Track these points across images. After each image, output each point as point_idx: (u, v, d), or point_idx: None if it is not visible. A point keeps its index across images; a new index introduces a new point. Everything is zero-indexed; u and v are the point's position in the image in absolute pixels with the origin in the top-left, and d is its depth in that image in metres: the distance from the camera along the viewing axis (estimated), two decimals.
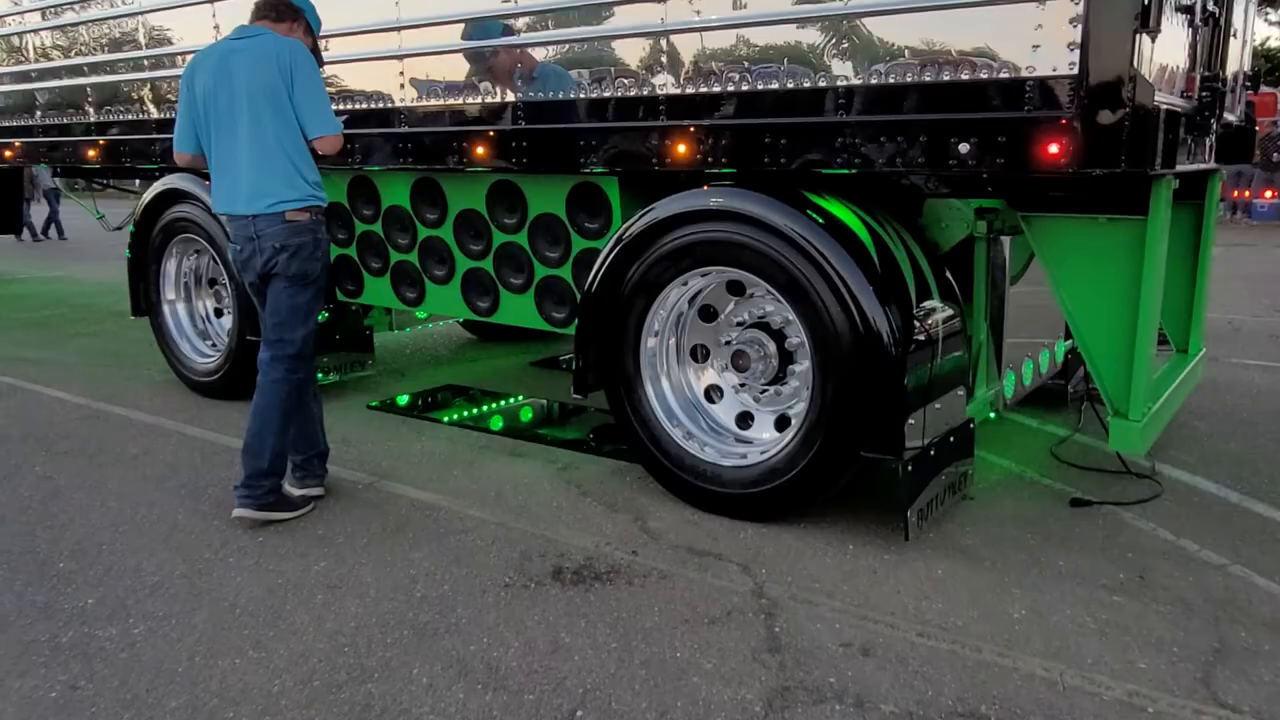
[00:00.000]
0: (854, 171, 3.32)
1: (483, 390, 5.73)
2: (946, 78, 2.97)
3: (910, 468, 3.31)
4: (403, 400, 5.58)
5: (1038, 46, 2.81)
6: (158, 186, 5.62)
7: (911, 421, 3.29)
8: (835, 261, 3.27)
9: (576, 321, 4.06)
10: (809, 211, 3.37)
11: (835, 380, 3.36)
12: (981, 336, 3.91)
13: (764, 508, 3.61)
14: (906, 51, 3.05)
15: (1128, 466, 4.10)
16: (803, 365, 3.71)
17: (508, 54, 4.05)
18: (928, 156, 3.04)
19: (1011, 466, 4.24)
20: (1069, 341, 4.82)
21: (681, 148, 3.57)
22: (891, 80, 3.07)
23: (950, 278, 3.71)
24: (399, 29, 4.29)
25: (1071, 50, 2.74)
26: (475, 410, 5.40)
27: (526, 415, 5.32)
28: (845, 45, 3.15)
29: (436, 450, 4.59)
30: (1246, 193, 18.09)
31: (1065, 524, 3.59)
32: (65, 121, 6.24)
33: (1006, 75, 2.87)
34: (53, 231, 17.15)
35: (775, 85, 3.31)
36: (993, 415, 4.10)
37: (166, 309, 5.84)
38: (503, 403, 5.51)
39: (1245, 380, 5.86)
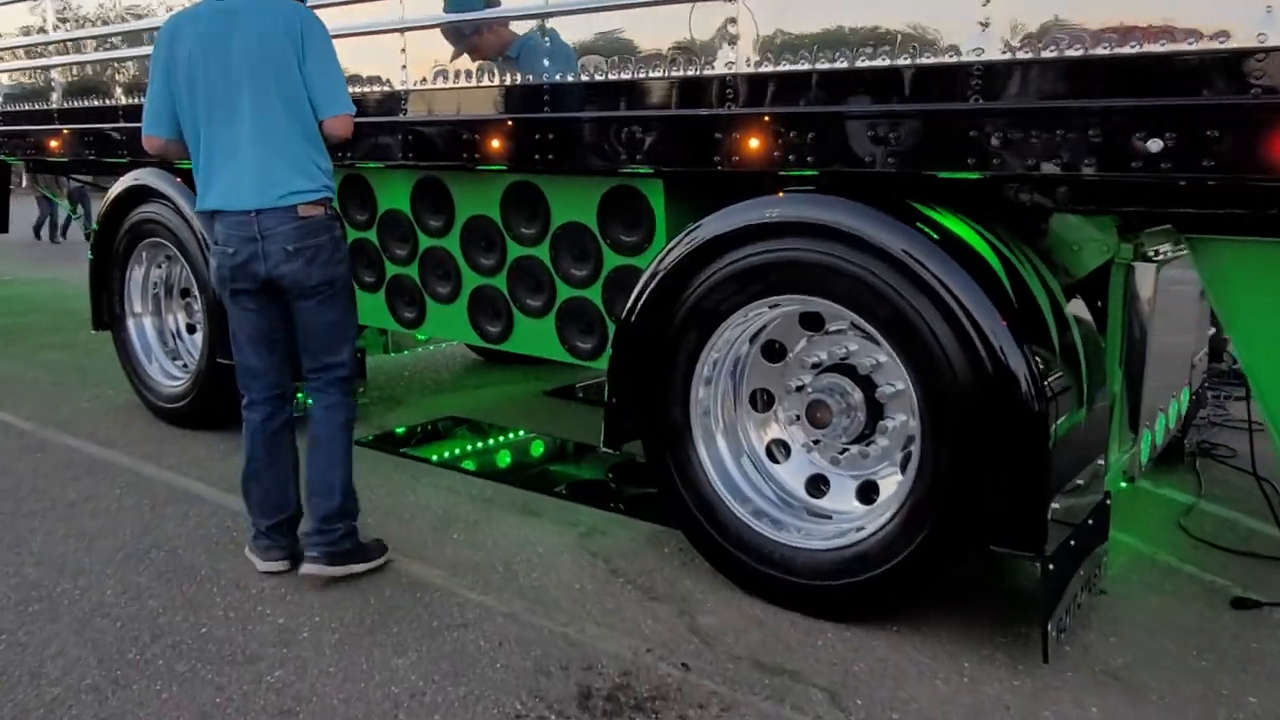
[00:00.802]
0: (984, 175, 2.55)
1: (489, 424, 4.96)
2: (1131, 50, 2.20)
3: (1051, 567, 2.52)
4: (400, 431, 4.82)
5: (1271, 8, 2.04)
6: (124, 182, 4.88)
7: (1056, 505, 2.51)
8: (958, 290, 2.49)
9: (609, 355, 3.29)
10: (919, 226, 2.60)
11: (952, 445, 2.57)
12: (1116, 388, 3.12)
13: (847, 605, 2.82)
14: (1070, 15, 2.27)
15: None
16: (896, 421, 2.93)
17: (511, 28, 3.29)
18: (1099, 157, 2.26)
19: (1139, 546, 3.45)
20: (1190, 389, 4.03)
21: (753, 142, 2.80)
22: (1048, 55, 2.30)
23: (1088, 313, 2.93)
24: None
25: None
26: (480, 445, 4.65)
27: (538, 451, 4.59)
28: (984, 6, 2.38)
29: (433, 504, 3.82)
30: None
31: (1235, 634, 2.79)
32: (25, 109, 5.51)
33: (1221, 46, 2.10)
34: (55, 232, 16.41)
35: (882, 61, 2.54)
36: (1124, 485, 3.30)
37: (131, 323, 5.08)
38: (511, 436, 4.75)
39: None
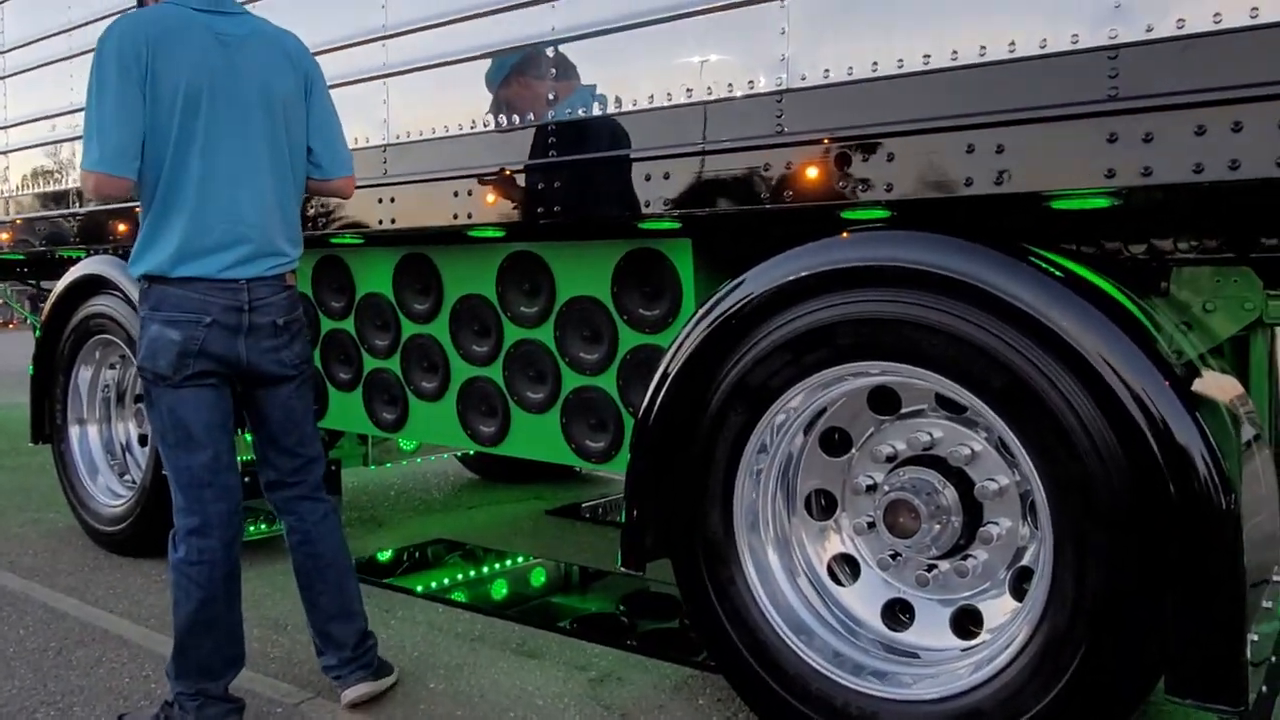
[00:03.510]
0: (1111, 204, 1.99)
1: (483, 548, 4.27)
2: None
3: None
4: (383, 557, 4.13)
5: None
6: (71, 274, 4.32)
7: (1254, 638, 1.82)
8: (1105, 348, 1.88)
9: (628, 456, 2.64)
10: (1046, 269, 2.01)
11: (1103, 558, 1.90)
12: None
13: None
14: None
15: None
16: (1000, 527, 2.27)
17: (536, 78, 2.78)
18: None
19: None
20: None
21: (810, 173, 2.24)
22: (1220, 26, 1.75)
23: (1242, 387, 2.31)
24: (383, 38, 3.06)
25: None
26: (472, 573, 3.96)
27: (538, 580, 3.91)
28: None
29: (409, 642, 3.10)
30: None
31: None
32: None
33: None
34: None
35: (982, 53, 2.00)
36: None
37: (74, 433, 4.46)
38: (508, 563, 4.07)
39: None
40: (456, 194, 2.91)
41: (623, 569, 2.56)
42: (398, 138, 3.06)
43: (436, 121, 2.95)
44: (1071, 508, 1.94)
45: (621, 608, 3.48)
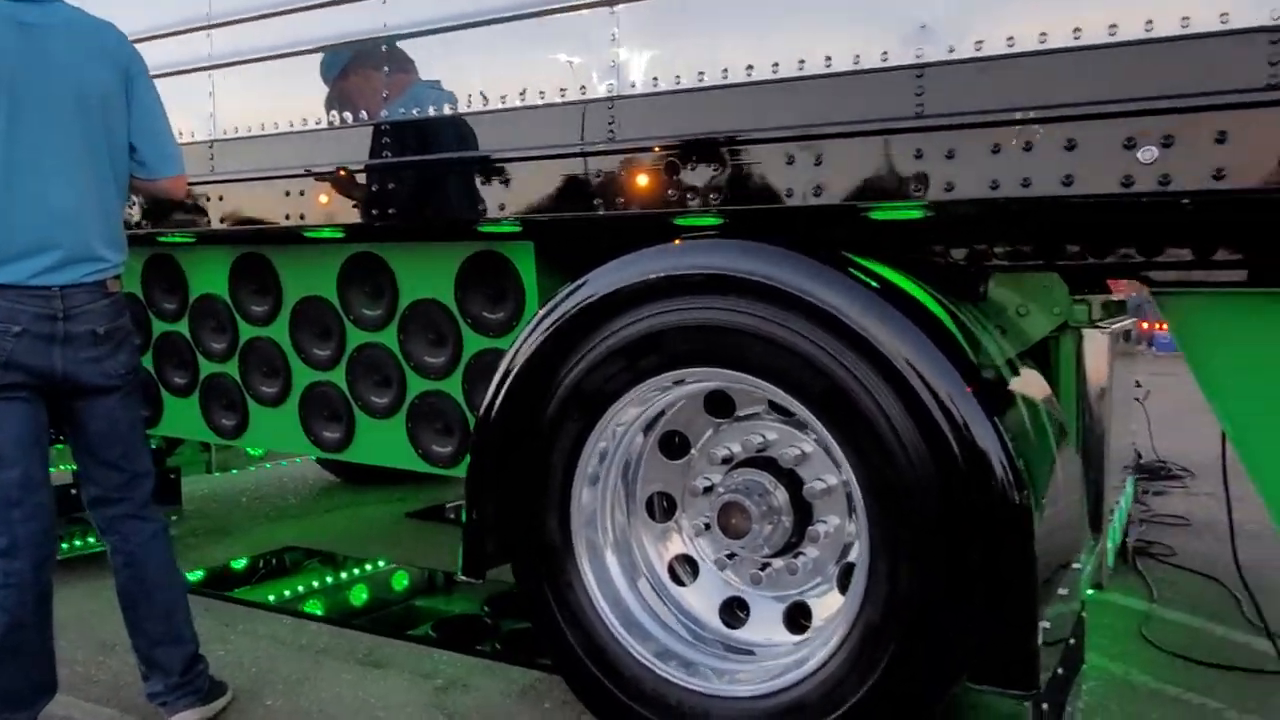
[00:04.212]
0: (925, 215, 2.08)
1: (342, 555, 4.15)
2: (1127, 34, 1.77)
3: (1045, 707, 1.94)
4: (232, 567, 3.98)
5: None
6: None
7: (1046, 624, 1.94)
8: (911, 353, 1.96)
9: (468, 461, 2.62)
10: (860, 278, 2.08)
11: (911, 552, 1.99)
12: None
13: None
14: None
15: None
16: (828, 525, 2.35)
17: (372, 70, 2.71)
18: (1082, 172, 1.80)
19: (1107, 664, 2.92)
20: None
21: (641, 180, 2.26)
22: (1013, 49, 1.85)
23: (1048, 386, 2.46)
24: (208, 28, 2.92)
25: None
26: (326, 581, 3.86)
27: (399, 585, 3.84)
28: None
29: (248, 658, 2.99)
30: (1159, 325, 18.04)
31: None
32: None
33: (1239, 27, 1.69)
34: None
35: (800, 66, 2.05)
36: (1091, 593, 2.79)
37: None
38: (366, 569, 3.97)
39: None
40: (289, 193, 2.82)
41: (463, 578, 2.54)
42: (225, 133, 2.93)
43: (266, 117, 2.84)
44: (886, 509, 2.02)
45: (486, 609, 3.45)
